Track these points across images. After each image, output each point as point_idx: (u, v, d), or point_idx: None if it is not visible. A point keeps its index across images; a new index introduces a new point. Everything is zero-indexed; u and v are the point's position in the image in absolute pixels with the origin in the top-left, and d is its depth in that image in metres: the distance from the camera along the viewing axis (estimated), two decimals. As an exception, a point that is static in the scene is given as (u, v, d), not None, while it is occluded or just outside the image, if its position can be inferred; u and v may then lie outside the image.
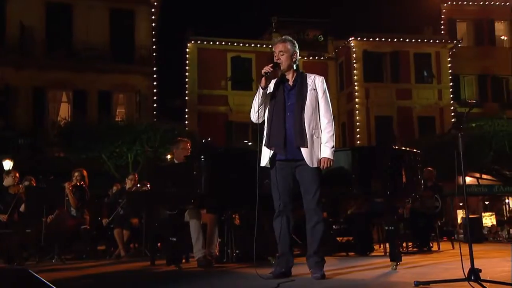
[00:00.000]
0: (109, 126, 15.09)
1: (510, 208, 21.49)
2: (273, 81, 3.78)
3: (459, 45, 22.73)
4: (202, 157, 4.37)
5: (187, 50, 21.94)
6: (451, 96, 22.16)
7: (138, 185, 7.33)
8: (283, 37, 3.82)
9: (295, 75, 3.73)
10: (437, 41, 22.25)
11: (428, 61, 21.64)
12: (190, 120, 20.99)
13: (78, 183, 7.01)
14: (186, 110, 21.42)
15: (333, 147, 3.59)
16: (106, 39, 19.34)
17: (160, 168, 4.76)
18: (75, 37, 19.09)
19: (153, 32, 20.30)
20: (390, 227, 3.86)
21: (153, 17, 20.41)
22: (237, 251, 5.16)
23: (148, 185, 7.63)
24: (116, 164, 15.33)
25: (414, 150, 4.19)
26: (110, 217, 7.70)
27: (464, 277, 2.79)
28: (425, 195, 6.95)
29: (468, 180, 20.76)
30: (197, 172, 4.35)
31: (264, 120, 3.78)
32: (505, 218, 20.40)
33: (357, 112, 20.75)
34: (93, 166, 12.52)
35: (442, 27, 23.47)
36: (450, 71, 22.31)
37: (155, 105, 19.64)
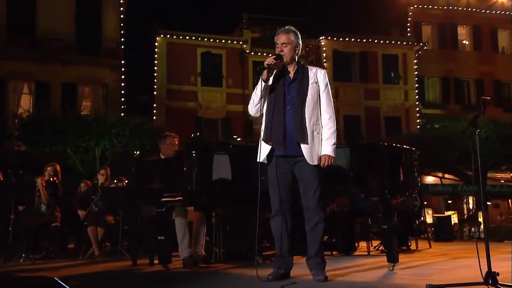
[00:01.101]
0: (75, 119, 14.53)
1: (470, 207, 22.22)
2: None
3: (425, 48, 23.31)
4: (193, 152, 4.19)
5: (156, 43, 21.47)
6: (417, 97, 22.72)
7: (115, 181, 7.03)
8: (286, 27, 3.62)
9: (296, 67, 3.59)
10: (404, 43, 22.74)
11: (395, 62, 22.08)
12: (158, 115, 20.56)
13: (51, 179, 6.66)
14: (154, 105, 20.97)
15: (334, 144, 3.49)
16: (71, 29, 18.64)
17: (146, 163, 4.54)
18: (38, 25, 18.29)
19: (121, 24, 19.73)
20: (387, 226, 3.81)
21: (121, 8, 19.83)
22: (222, 250, 5.00)
23: (126, 181, 7.37)
24: (82, 158, 14.79)
25: (411, 148, 4.16)
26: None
27: (482, 281, 2.75)
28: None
29: (432, 179, 21.37)
30: (188, 168, 4.17)
31: (262, 114, 3.63)
32: (465, 216, 21.11)
33: (326, 111, 20.87)
34: (56, 161, 12.00)
35: (408, 29, 23.99)
36: (416, 72, 22.86)
37: (122, 99, 19.10)
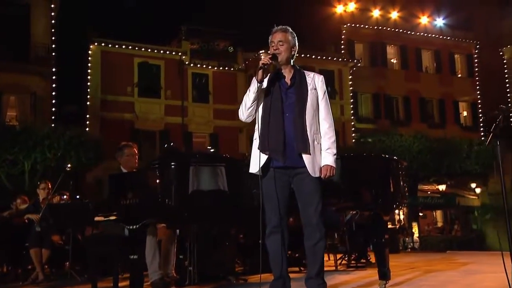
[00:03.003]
0: (1, 130, 13.34)
1: (400, 218, 23.20)
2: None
3: (358, 65, 24.26)
4: (172, 163, 3.85)
5: (89, 52, 20.45)
6: (352, 112, 23.50)
7: (64, 196, 6.40)
8: (283, 26, 3.40)
9: (293, 71, 3.38)
10: (340, 59, 23.51)
11: (331, 78, 22.70)
12: (91, 127, 19.49)
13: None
14: (88, 116, 19.87)
15: (335, 154, 3.30)
16: (-5, 33, 17.23)
17: (115, 177, 4.11)
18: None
19: (53, 30, 18.58)
20: (379, 241, 3.70)
21: (52, 13, 18.69)
22: (195, 271, 4.65)
23: (66, 195, 6.75)
24: (8, 173, 13.57)
25: (398, 159, 4.11)
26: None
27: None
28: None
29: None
30: (166, 181, 3.83)
31: (254, 120, 3.39)
32: (397, 227, 22.00)
33: (266, 124, 20.93)
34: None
35: (342, 46, 24.86)
36: (351, 88, 23.68)
37: (53, 109, 17.88)
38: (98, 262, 4.83)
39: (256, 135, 3.33)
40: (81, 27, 20.98)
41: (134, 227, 3.97)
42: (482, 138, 24.94)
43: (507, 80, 27.24)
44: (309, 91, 3.33)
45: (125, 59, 20.81)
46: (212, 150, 5.49)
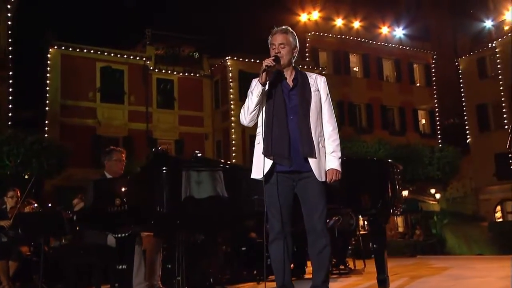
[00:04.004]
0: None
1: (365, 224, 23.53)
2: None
3: (323, 73, 24.55)
4: (164, 168, 3.66)
5: (49, 55, 19.69)
6: (317, 119, 23.72)
7: (36, 205, 6.01)
8: (283, 27, 3.31)
9: (294, 73, 3.30)
10: (305, 67, 23.70)
11: (297, 85, 22.84)
12: (51, 133, 18.72)
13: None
14: (47, 121, 19.07)
15: (340, 157, 3.22)
16: None
17: (102, 183, 3.87)
18: None
19: (9, 32, 17.75)
20: (379, 247, 3.64)
21: (9, 14, 17.87)
22: (183, 281, 4.44)
23: (35, 204, 6.38)
24: (-38, 181, 12.76)
25: (394, 163, 4.08)
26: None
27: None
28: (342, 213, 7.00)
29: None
30: (158, 187, 3.63)
31: (256, 124, 3.27)
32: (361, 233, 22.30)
33: (232, 130, 20.84)
34: None
35: (307, 54, 25.14)
36: (316, 95, 23.89)
37: (10, 114, 17.03)
38: (75, 274, 4.55)
39: (259, 139, 3.21)
40: (40, 29, 20.17)
41: (123, 235, 3.75)
42: (440, 145, 25.81)
43: (462, 90, 28.33)
44: (312, 93, 3.24)
45: (87, 63, 20.19)
46: (199, 154, 5.28)
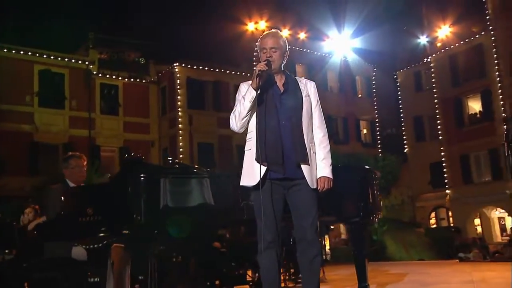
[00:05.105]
0: None
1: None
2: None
3: (270, 82, 24.76)
4: (142, 176, 3.44)
5: (-19, 57, 18.40)
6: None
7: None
8: (273, 30, 3.30)
9: (284, 77, 3.23)
10: (253, 75, 23.82)
11: (245, 93, 22.87)
12: (-18, 139, 17.41)
13: None
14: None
15: (331, 164, 3.17)
16: None
17: (71, 191, 3.56)
18: None
19: None
20: (360, 255, 3.61)
21: None
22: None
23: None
24: None
25: (373, 169, 4.08)
26: None
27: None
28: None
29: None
30: (135, 195, 3.41)
31: (246, 130, 3.16)
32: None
33: (180, 138, 20.46)
34: None
35: (254, 63, 25.27)
36: (263, 104, 24.02)
37: None
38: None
39: (250, 145, 3.10)
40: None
41: (96, 246, 3.47)
42: (380, 155, 26.84)
43: (400, 102, 29.66)
44: (303, 98, 3.18)
45: (24, 66, 19.04)
46: (170, 160, 5.01)
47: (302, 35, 27.48)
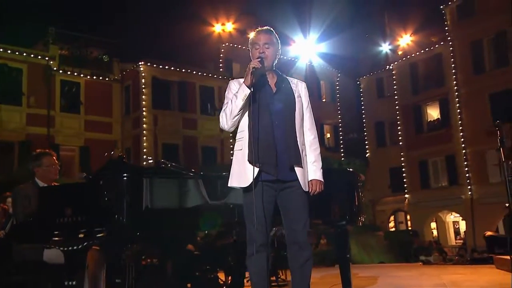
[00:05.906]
0: None
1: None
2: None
3: (237, 84, 24.72)
4: (124, 175, 3.28)
5: None
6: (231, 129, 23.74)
7: None
8: (265, 27, 3.17)
9: (276, 76, 3.15)
10: (220, 77, 23.67)
11: (211, 94, 22.72)
12: None
13: None
14: None
15: (321, 167, 3.12)
16: None
17: (46, 190, 3.34)
18: None
19: None
20: (345, 258, 3.58)
21: None
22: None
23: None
24: None
25: (358, 173, 4.07)
26: None
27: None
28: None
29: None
30: (117, 195, 3.25)
31: (237, 129, 3.06)
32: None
33: (144, 138, 20.04)
34: None
35: (221, 65, 25.14)
36: (229, 106, 23.92)
37: None
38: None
39: (241, 145, 2.99)
40: None
41: (74, 248, 3.28)
42: (343, 159, 27.27)
43: (363, 107, 30.27)
44: (295, 98, 3.12)
45: (-22, 59, 18.14)
46: (150, 161, 4.79)
47: (268, 38, 27.55)
